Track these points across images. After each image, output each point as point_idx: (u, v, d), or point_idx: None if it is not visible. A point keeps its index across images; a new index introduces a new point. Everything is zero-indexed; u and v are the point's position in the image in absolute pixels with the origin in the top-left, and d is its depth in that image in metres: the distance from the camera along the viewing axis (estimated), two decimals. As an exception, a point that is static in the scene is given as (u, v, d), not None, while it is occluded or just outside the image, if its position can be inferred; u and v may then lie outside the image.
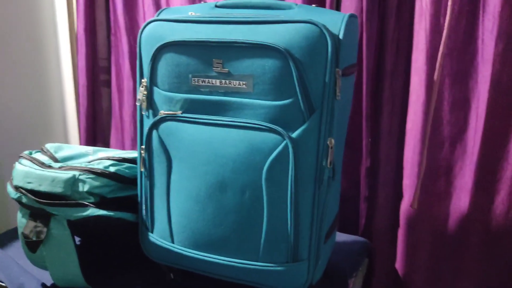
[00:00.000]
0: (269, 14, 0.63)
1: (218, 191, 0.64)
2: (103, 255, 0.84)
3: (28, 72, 1.23)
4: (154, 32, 0.66)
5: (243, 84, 0.62)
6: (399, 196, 0.93)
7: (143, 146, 0.70)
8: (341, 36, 0.61)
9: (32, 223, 0.71)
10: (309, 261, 0.65)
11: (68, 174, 0.69)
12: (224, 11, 0.68)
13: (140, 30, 0.67)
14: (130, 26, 1.16)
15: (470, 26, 0.81)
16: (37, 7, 1.23)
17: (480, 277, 0.88)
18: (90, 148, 0.82)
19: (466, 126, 0.85)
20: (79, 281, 0.72)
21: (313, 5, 0.68)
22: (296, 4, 0.67)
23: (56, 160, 0.76)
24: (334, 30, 0.61)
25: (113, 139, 1.28)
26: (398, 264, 0.95)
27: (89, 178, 0.70)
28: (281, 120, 0.61)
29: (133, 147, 1.23)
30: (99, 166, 0.72)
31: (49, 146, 0.81)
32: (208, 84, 0.64)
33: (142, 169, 0.71)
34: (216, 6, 0.70)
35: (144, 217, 0.73)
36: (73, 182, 0.69)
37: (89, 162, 0.75)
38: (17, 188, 0.72)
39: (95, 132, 1.31)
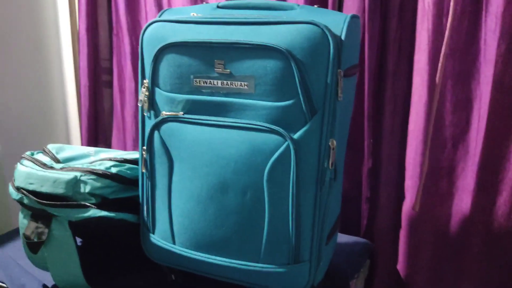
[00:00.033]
0: (271, 15, 0.63)
1: (220, 192, 0.64)
2: (104, 256, 0.84)
3: (29, 73, 1.23)
4: (156, 33, 0.66)
5: (244, 85, 0.62)
6: (401, 197, 0.93)
7: (145, 147, 0.69)
8: (343, 37, 0.61)
9: (33, 224, 0.71)
10: (311, 262, 0.65)
11: (70, 175, 0.69)
12: (226, 12, 0.68)
13: (142, 31, 0.67)
14: (132, 27, 1.16)
15: (472, 26, 0.81)
16: (39, 7, 1.23)
17: (482, 278, 0.88)
18: (91, 149, 0.82)
19: (468, 127, 0.85)
20: (80, 282, 0.72)
21: (315, 6, 0.68)
22: (298, 5, 0.67)
23: (57, 161, 0.76)
24: (336, 31, 0.61)
25: (114, 140, 1.28)
26: (400, 265, 0.95)
27: (90, 179, 0.70)
28: (282, 121, 0.61)
29: (135, 148, 1.23)
30: (101, 167, 0.72)
31: (50, 146, 0.81)
32: (210, 85, 0.64)
33: (144, 170, 0.71)
34: (218, 7, 0.70)
35: (146, 218, 0.73)
36: (74, 183, 0.69)
37: (91, 163, 0.75)
38: (18, 189, 0.72)
39: (97, 132, 1.31)
